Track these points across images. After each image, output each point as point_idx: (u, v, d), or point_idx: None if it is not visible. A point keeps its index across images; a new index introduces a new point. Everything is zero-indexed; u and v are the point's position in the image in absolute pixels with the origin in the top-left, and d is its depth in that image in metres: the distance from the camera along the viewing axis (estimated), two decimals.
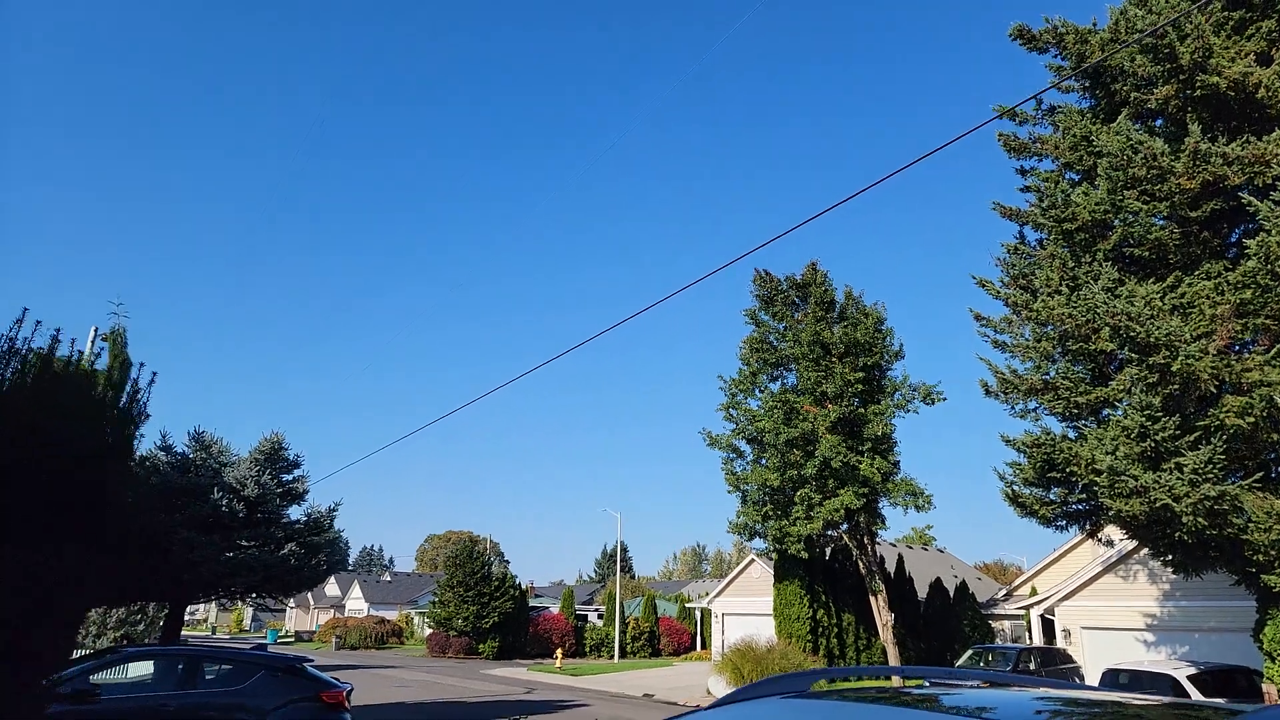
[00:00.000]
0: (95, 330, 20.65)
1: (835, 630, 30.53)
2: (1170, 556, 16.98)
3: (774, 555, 30.64)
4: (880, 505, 28.05)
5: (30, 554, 5.34)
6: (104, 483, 6.05)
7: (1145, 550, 20.35)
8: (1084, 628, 26.55)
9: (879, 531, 28.81)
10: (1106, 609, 25.98)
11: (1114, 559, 25.44)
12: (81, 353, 6.92)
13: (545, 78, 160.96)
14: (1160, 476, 14.40)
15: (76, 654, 13.08)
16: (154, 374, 7.99)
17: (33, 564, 5.33)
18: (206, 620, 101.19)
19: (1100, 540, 21.31)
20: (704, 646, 48.39)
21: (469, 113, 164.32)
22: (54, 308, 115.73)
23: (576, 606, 55.95)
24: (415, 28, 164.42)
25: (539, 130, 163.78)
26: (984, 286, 19.26)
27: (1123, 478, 14.85)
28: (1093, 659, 25.37)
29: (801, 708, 2.39)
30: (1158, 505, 14.50)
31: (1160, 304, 14.77)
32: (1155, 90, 16.35)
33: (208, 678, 11.04)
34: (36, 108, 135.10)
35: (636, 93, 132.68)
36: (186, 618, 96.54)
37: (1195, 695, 16.44)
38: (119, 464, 6.55)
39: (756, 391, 29.96)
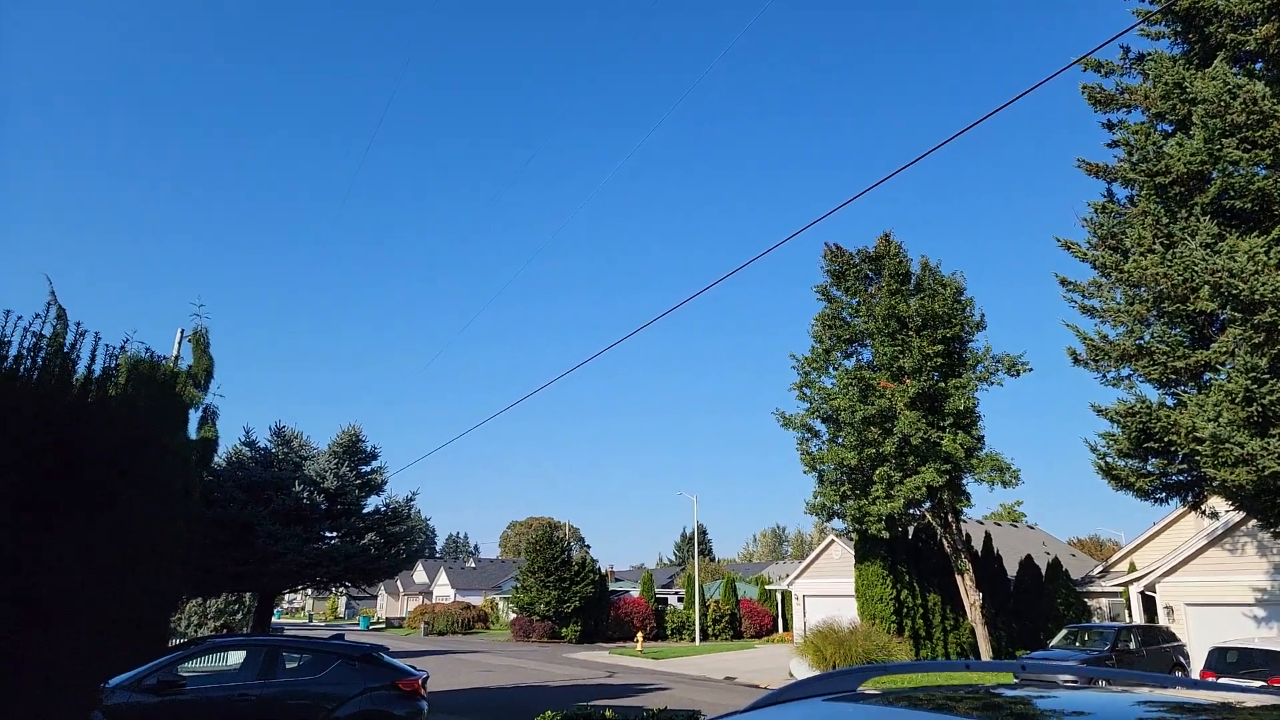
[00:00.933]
0: (181, 332, 21.28)
1: (920, 611, 29.79)
2: None
3: (854, 536, 30.04)
4: (964, 482, 27.19)
5: (32, 554, 5.37)
6: (111, 493, 6.07)
7: (1254, 522, 19.25)
8: (1188, 604, 25.31)
9: (964, 509, 27.94)
10: (1212, 584, 24.71)
11: (1219, 531, 24.16)
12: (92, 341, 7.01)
13: (618, 54, 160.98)
14: (1269, 443, 13.51)
15: (172, 643, 13.51)
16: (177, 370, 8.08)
17: (36, 566, 5.37)
18: (304, 609, 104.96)
19: (1204, 512, 20.22)
20: (786, 628, 47.94)
21: (534, 91, 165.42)
22: (131, 306, 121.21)
23: (656, 590, 56.06)
24: (483, 15, 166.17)
25: (607, 106, 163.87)
26: (1069, 249, 18.37)
27: (1227, 445, 13.96)
28: (1198, 636, 24.17)
29: (846, 713, 2.08)
30: (1266, 474, 13.62)
31: (1265, 258, 13.77)
32: (1254, 30, 15.25)
33: (288, 667, 11.26)
34: (100, 97, 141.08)
35: (698, 74, 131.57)
36: (285, 606, 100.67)
37: None
38: (144, 472, 6.57)
39: (830, 369, 29.32)
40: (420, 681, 11.69)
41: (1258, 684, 14.74)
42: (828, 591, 38.61)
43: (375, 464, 22.70)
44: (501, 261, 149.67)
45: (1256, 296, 13.35)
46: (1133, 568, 30.86)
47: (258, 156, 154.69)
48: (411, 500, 23.27)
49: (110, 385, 7.24)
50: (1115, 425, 17.63)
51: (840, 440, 28.13)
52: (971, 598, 27.04)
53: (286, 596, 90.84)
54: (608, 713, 10.36)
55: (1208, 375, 15.99)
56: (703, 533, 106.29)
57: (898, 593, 29.36)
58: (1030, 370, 27.06)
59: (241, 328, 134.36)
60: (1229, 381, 14.19)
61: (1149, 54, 17.59)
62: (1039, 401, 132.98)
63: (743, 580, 60.48)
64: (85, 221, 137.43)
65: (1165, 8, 16.53)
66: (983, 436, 26.72)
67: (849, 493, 27.43)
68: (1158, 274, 15.09)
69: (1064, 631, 24.98)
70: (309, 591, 64.61)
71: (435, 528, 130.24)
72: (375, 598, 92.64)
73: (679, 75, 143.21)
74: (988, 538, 34.37)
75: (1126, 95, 17.51)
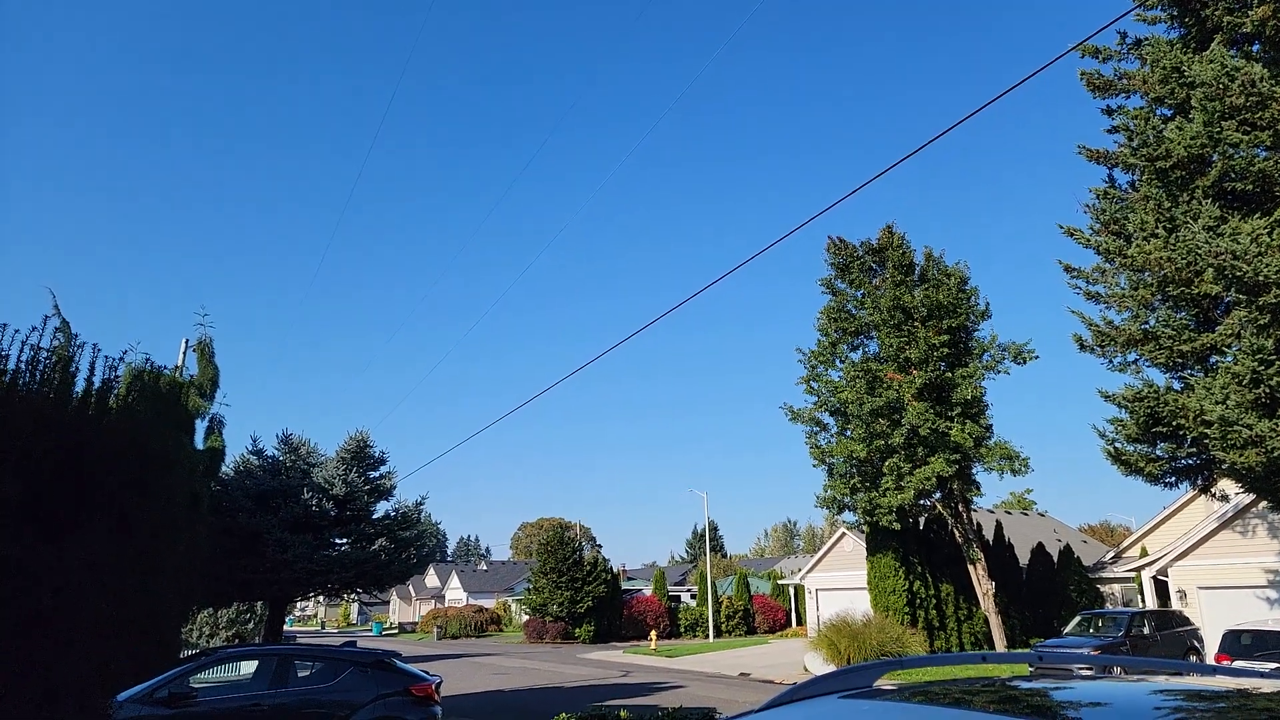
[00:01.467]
0: (186, 342, 21.34)
1: (934, 602, 29.77)
2: None
3: (865, 528, 30.02)
4: (974, 471, 27.17)
5: (27, 556, 5.41)
6: (110, 494, 6.12)
7: (1264, 503, 19.20)
8: (1200, 587, 25.27)
9: (974, 498, 27.91)
10: (1224, 567, 24.67)
11: (1230, 514, 24.12)
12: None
13: (617, 51, 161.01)
14: (1277, 424, 13.49)
15: (184, 654, 13.56)
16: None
17: (35, 566, 5.40)
18: (316, 616, 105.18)
19: (1214, 495, 20.19)
20: (799, 623, 47.97)
21: (534, 93, 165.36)
22: (137, 318, 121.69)
23: (669, 587, 56.07)
24: (482, 16, 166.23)
25: (606, 105, 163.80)
26: (1072, 235, 18.34)
27: (1236, 428, 13.95)
28: (1211, 620, 24.13)
29: (862, 710, 2.07)
30: (1275, 455, 13.61)
31: (1268, 240, 13.74)
32: (1250, 12, 15.22)
33: (300, 675, 11.27)
34: (102, 113, 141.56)
35: (695, 73, 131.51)
36: (297, 614, 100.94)
37: None
38: (146, 476, 6.63)
39: (837, 362, 29.30)
40: (433, 686, 11.71)
41: (1271, 666, 14.72)
42: (840, 585, 38.60)
43: (384, 469, 22.76)
44: (505, 263, 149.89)
45: (1260, 278, 13.32)
46: (1144, 553, 30.79)
47: (259, 163, 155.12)
48: (421, 504, 23.33)
49: (111, 396, 7.33)
50: (1123, 410, 17.61)
51: (849, 433, 28.11)
52: (984, 587, 27.01)
53: (298, 604, 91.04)
54: (622, 713, 10.40)
55: (1214, 358, 15.96)
56: (714, 529, 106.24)
57: (910, 584, 29.33)
58: (1036, 358, 27.06)
59: (246, 336, 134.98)
60: (1235, 364, 14.17)
61: (1146, 39, 17.56)
62: (1046, 388, 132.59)
63: (755, 575, 60.49)
64: (88, 233, 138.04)
65: None
66: (991, 425, 26.72)
67: (859, 485, 27.41)
68: (1161, 258, 15.07)
69: (1078, 618, 24.95)
70: (321, 599, 64.80)
71: (446, 531, 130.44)
72: (387, 603, 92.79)
73: (677, 74, 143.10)
74: (999, 526, 34.34)
75: (1125, 80, 17.48)
